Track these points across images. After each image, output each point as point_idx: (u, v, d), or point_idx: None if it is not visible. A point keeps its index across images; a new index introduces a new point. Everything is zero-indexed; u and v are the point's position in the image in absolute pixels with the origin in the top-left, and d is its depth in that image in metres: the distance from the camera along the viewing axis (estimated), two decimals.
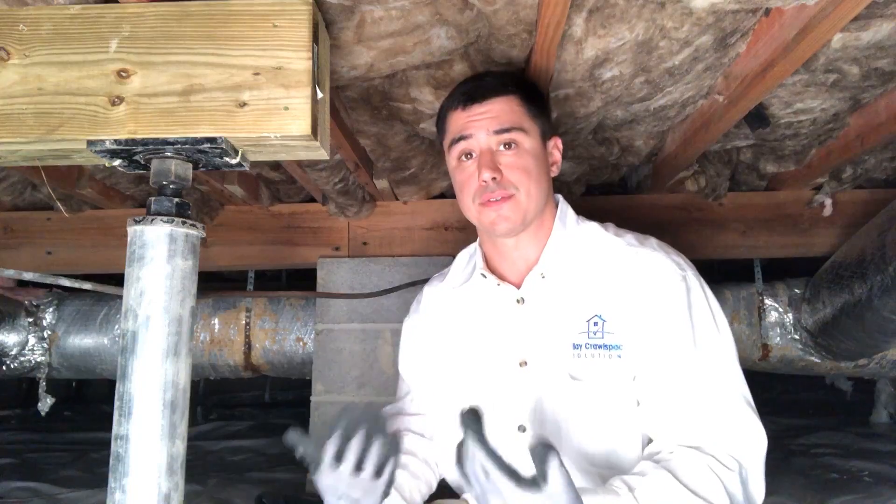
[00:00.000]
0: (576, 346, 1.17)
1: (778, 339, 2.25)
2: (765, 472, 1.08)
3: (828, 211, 2.20)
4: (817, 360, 2.25)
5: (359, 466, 1.04)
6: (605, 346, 1.15)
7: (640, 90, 1.44)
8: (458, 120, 1.22)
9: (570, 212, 1.30)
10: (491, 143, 1.19)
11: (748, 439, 1.06)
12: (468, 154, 1.22)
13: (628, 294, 1.17)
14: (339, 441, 1.04)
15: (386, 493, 1.08)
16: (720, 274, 3.31)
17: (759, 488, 1.06)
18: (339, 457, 1.03)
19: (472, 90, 1.22)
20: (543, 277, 1.23)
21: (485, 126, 1.19)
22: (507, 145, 1.19)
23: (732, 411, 1.08)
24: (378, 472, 1.05)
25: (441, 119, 1.29)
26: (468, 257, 1.39)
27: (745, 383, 1.14)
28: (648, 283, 1.16)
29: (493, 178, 1.16)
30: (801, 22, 1.09)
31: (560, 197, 1.31)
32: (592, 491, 0.97)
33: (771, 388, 5.39)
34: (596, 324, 1.17)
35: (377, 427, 1.06)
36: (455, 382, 1.29)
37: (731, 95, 1.40)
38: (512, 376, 1.22)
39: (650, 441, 1.14)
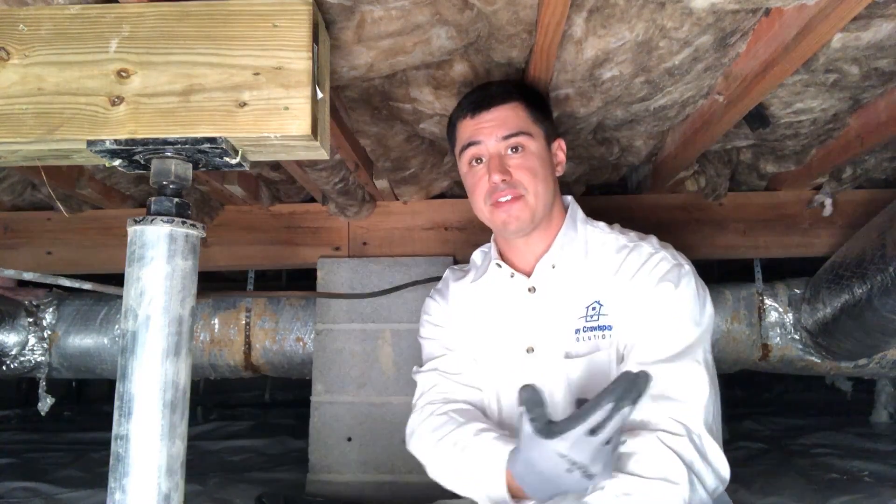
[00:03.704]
0: (576, 331, 1.26)
1: (778, 339, 2.25)
2: (720, 442, 1.10)
3: (828, 211, 2.20)
4: (817, 360, 2.25)
5: (608, 441, 0.96)
6: (599, 326, 1.24)
7: (640, 90, 1.44)
8: (468, 128, 1.30)
9: (580, 213, 1.38)
10: (500, 148, 1.27)
11: (692, 403, 1.09)
12: (478, 159, 1.29)
13: (623, 280, 1.25)
14: (604, 415, 0.93)
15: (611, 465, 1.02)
16: (720, 274, 3.31)
17: (716, 453, 1.08)
18: (595, 430, 0.94)
19: (479, 99, 1.30)
20: (554, 268, 1.31)
21: (493, 132, 1.26)
22: (515, 149, 1.27)
23: (683, 379, 1.12)
24: (608, 440, 0.96)
25: (451, 128, 1.37)
26: (482, 255, 1.48)
27: (711, 358, 1.17)
28: (641, 270, 1.24)
29: (503, 180, 1.24)
30: (801, 22, 1.09)
31: (571, 198, 1.39)
32: None
33: (771, 388, 5.39)
34: (594, 308, 1.26)
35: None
36: (474, 371, 1.36)
37: (731, 95, 1.40)
38: (519, 362, 1.30)
39: None
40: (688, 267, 1.25)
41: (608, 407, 0.92)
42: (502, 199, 1.25)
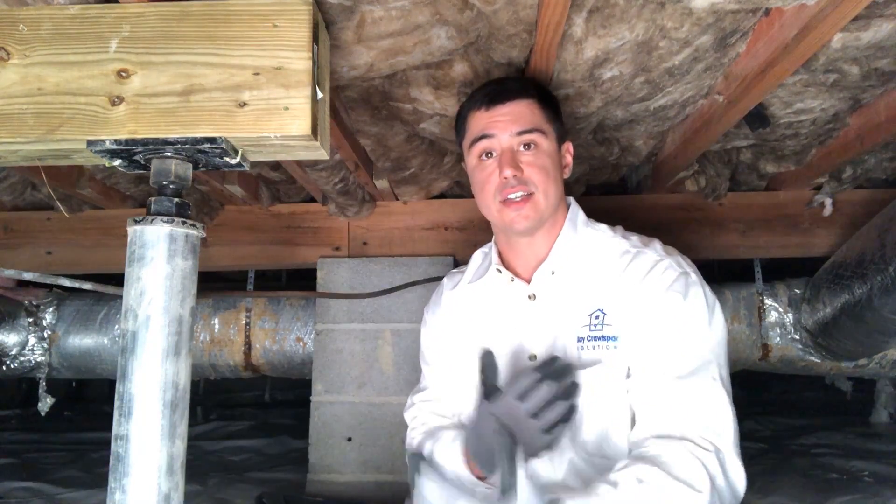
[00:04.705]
0: (579, 339, 1.23)
1: (778, 339, 2.25)
2: (742, 461, 1.11)
3: (828, 211, 2.20)
4: (817, 360, 2.25)
5: (535, 415, 1.06)
6: (604, 337, 1.21)
7: (640, 90, 1.44)
8: (481, 120, 1.26)
9: (581, 214, 1.35)
10: (513, 143, 1.24)
11: (719, 423, 1.10)
12: (489, 153, 1.26)
13: (628, 289, 1.22)
14: (530, 384, 1.06)
15: (550, 447, 1.10)
16: (720, 274, 3.31)
17: (738, 473, 1.09)
18: (522, 398, 1.06)
19: (494, 92, 1.26)
20: (553, 274, 1.28)
21: (507, 127, 1.23)
22: (527, 146, 1.24)
23: (706, 398, 1.12)
24: (549, 430, 1.06)
25: (461, 119, 1.33)
26: (483, 256, 1.45)
27: (726, 374, 1.17)
28: (646, 280, 1.21)
29: (515, 176, 1.21)
30: (801, 22, 1.09)
31: (572, 199, 1.37)
32: (575, 491, 1.03)
33: (771, 388, 5.39)
34: (597, 317, 1.22)
35: (568, 392, 1.08)
36: (469, 374, 1.33)
37: (731, 95, 1.40)
38: (521, 369, 1.25)
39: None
40: (694, 276, 1.22)
41: (534, 377, 1.07)
42: (512, 196, 1.22)
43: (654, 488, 1.02)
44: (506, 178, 1.22)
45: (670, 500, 1.02)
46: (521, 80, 1.31)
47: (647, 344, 1.17)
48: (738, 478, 1.09)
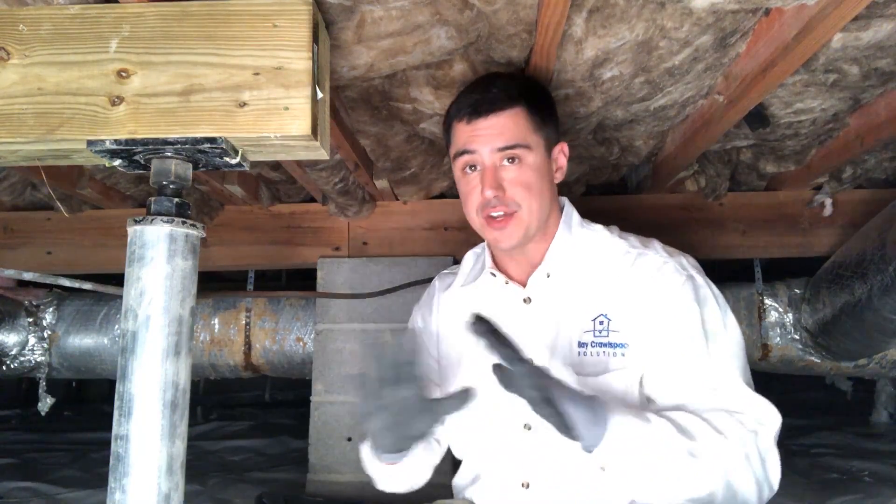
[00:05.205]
0: (581, 345, 1.19)
1: (778, 339, 2.25)
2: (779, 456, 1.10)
3: (828, 211, 2.20)
4: (817, 360, 2.25)
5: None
6: (611, 344, 1.17)
7: (640, 90, 1.44)
8: (463, 133, 1.23)
9: (576, 215, 1.32)
10: (495, 160, 1.20)
11: (762, 414, 1.09)
12: (472, 166, 1.23)
13: (633, 295, 1.18)
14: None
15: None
16: (720, 274, 3.30)
17: (775, 466, 1.09)
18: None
19: (477, 103, 1.21)
20: (549, 277, 1.25)
21: (489, 143, 1.19)
22: (511, 160, 1.20)
23: (745, 393, 1.11)
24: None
25: (447, 125, 1.30)
26: (475, 258, 1.42)
27: (750, 378, 1.16)
28: (653, 285, 1.18)
29: (496, 196, 1.18)
30: (801, 22, 1.09)
31: (566, 200, 1.33)
32: (624, 410, 1.02)
33: (771, 388, 5.38)
34: (602, 322, 1.19)
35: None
36: (462, 378, 1.30)
37: (731, 95, 1.40)
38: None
39: None
40: (700, 278, 1.19)
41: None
42: (494, 215, 1.20)
43: (692, 430, 1.02)
44: (487, 198, 1.19)
45: (704, 443, 1.01)
46: (507, 87, 1.23)
47: (665, 351, 1.14)
48: (774, 471, 1.09)
